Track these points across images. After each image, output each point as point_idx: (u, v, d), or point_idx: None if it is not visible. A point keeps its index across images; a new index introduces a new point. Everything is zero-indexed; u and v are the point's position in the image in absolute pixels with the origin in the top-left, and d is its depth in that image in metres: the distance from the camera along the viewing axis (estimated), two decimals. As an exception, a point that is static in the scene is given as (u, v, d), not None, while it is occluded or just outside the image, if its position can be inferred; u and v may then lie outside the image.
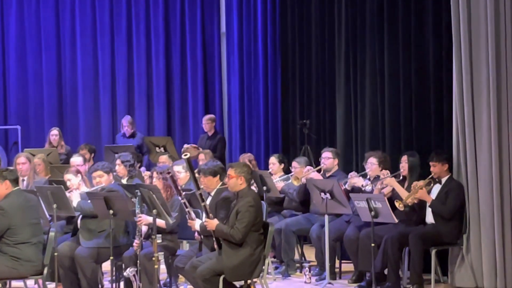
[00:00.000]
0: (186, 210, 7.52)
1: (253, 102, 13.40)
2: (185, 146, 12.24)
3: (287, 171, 10.23)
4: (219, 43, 14.46)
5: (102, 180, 8.31)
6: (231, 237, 7.13)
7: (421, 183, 8.30)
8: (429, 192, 8.36)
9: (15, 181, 7.46)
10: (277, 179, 9.91)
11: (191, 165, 7.66)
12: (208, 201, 7.62)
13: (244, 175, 7.34)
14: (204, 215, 7.42)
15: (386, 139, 9.89)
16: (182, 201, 7.50)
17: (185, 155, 7.49)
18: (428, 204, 8.35)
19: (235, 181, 7.33)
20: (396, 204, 8.10)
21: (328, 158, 9.50)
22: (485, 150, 8.14)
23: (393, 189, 8.51)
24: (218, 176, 7.77)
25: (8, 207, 7.25)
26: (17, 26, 14.32)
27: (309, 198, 9.31)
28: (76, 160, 10.06)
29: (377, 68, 10.09)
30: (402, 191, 8.39)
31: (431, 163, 8.39)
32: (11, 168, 8.49)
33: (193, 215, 7.56)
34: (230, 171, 7.37)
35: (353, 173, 9.10)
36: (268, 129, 13.13)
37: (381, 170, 8.85)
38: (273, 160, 10.37)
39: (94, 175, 8.38)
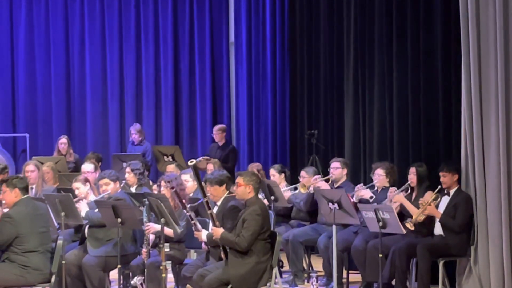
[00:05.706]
0: (192, 222, 7.52)
1: (261, 112, 13.41)
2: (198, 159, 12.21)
3: (288, 180, 10.24)
4: (228, 52, 14.48)
5: (108, 188, 8.34)
6: (236, 245, 7.13)
7: (429, 198, 8.28)
8: (437, 205, 8.34)
9: (25, 189, 7.46)
10: (285, 189, 9.90)
11: (198, 172, 7.66)
12: (214, 210, 7.61)
13: (253, 184, 7.35)
14: (211, 223, 7.42)
15: (394, 150, 9.86)
16: (188, 214, 7.49)
17: (191, 161, 7.49)
18: (437, 220, 8.33)
19: (244, 189, 7.33)
20: (407, 225, 8.10)
21: (337, 168, 9.50)
22: (493, 161, 8.11)
23: (401, 204, 8.51)
24: (225, 185, 7.76)
25: (16, 215, 7.26)
26: (26, 34, 14.37)
27: (317, 208, 9.29)
28: (87, 167, 10.09)
29: (385, 78, 10.08)
30: (411, 208, 8.38)
31: (441, 174, 8.37)
32: (21, 176, 8.52)
33: (199, 226, 7.55)
34: (239, 179, 7.37)
35: (360, 186, 9.08)
36: (276, 139, 13.14)
37: (389, 182, 8.87)
38: (272, 172, 10.38)
39: (100, 183, 8.42)
